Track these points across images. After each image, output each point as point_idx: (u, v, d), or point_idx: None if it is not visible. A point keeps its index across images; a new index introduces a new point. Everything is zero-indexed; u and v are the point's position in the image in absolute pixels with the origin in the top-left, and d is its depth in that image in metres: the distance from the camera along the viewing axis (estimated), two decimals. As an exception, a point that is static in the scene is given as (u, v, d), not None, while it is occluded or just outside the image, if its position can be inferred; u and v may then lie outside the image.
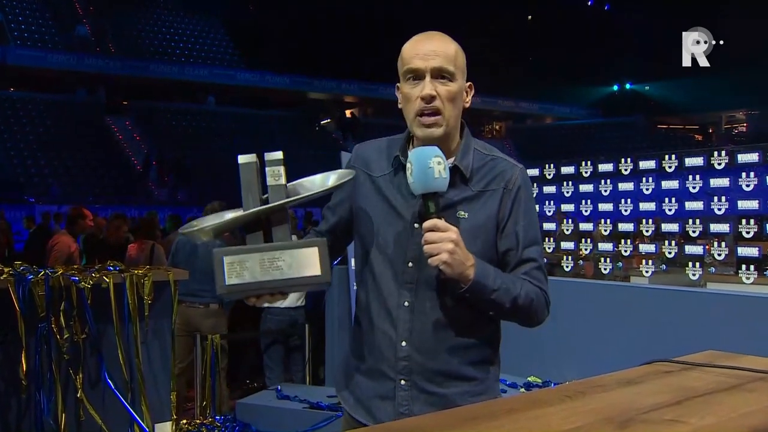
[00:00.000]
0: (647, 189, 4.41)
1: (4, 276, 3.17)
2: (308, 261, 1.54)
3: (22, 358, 3.12)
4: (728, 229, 3.94)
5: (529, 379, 4.39)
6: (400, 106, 1.76)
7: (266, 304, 1.68)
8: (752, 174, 3.91)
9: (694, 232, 4.12)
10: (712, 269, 4.09)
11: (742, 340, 2.47)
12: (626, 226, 4.52)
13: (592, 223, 4.78)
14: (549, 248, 4.84)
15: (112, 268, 3.49)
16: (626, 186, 4.54)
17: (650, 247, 4.37)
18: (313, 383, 5.47)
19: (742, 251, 3.84)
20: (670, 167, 4.28)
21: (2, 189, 18.04)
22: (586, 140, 29.26)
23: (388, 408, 1.70)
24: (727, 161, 4.02)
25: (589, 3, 33.81)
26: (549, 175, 4.93)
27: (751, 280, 3.79)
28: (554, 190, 4.93)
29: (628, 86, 33.43)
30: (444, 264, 1.57)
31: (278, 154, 1.60)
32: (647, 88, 32.16)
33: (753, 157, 3.96)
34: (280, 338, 5.59)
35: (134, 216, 13.43)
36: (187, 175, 21.51)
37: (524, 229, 1.72)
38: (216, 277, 1.53)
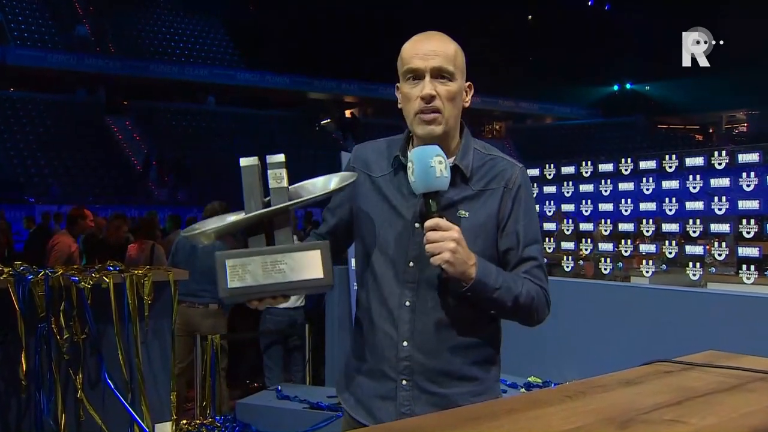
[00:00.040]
0: (648, 189, 4.40)
1: (4, 276, 3.16)
2: (311, 264, 1.54)
3: (22, 358, 3.11)
4: (729, 229, 3.94)
5: (529, 379, 4.39)
6: (399, 106, 1.76)
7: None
8: (753, 174, 3.90)
9: (694, 232, 4.11)
10: (713, 269, 4.08)
11: (742, 341, 2.46)
12: (626, 226, 4.51)
13: (592, 223, 4.78)
14: (549, 248, 4.84)
15: (112, 268, 3.48)
16: (626, 186, 4.54)
17: (651, 247, 4.37)
18: (314, 383, 5.47)
19: (743, 251, 3.84)
20: (670, 167, 4.28)
21: (2, 189, 18.05)
22: (587, 140, 29.28)
23: (389, 408, 1.70)
24: (727, 161, 4.01)
25: (590, 3, 33.82)
26: (549, 175, 4.93)
27: (752, 281, 3.79)
28: (554, 190, 4.93)
29: (628, 86, 33.45)
30: (446, 263, 1.57)
31: (280, 157, 1.60)
32: (647, 88, 32.17)
33: (753, 157, 3.96)
34: (279, 338, 5.59)
35: (134, 216, 13.43)
36: (187, 175, 21.52)
37: (525, 228, 1.72)
38: (218, 281, 1.52)
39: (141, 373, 3.45)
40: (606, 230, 4.61)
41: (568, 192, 4.84)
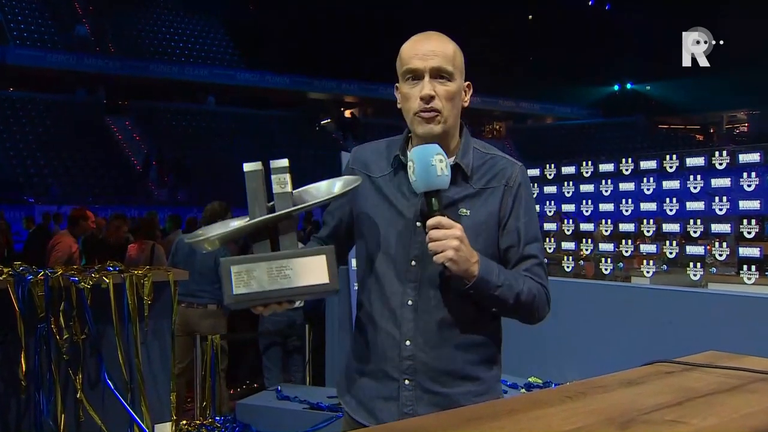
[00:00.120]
0: (648, 189, 4.40)
1: (4, 276, 3.16)
2: (316, 269, 1.53)
3: (22, 359, 3.11)
4: (729, 229, 3.93)
5: (529, 379, 4.39)
6: (399, 106, 1.76)
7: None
8: (753, 174, 3.89)
9: (695, 232, 4.11)
10: (714, 269, 4.08)
11: (743, 341, 2.46)
12: (627, 227, 4.51)
13: (592, 224, 4.77)
14: (549, 248, 4.83)
15: (111, 269, 3.48)
16: (627, 186, 4.53)
17: (651, 248, 4.37)
18: (313, 384, 5.46)
19: (744, 251, 3.83)
20: (671, 167, 4.27)
21: (2, 189, 18.07)
22: (587, 140, 29.29)
23: (392, 409, 1.70)
24: (728, 161, 4.01)
25: (590, 3, 33.82)
26: (549, 175, 4.92)
27: (753, 281, 3.78)
28: (555, 190, 4.92)
29: (628, 86, 33.45)
30: (450, 261, 1.57)
31: (284, 162, 1.59)
32: (648, 88, 32.18)
33: (754, 157, 3.95)
34: (278, 339, 5.58)
35: (134, 216, 13.43)
36: (187, 175, 21.52)
37: (525, 226, 1.73)
38: (223, 287, 1.52)
39: (141, 374, 3.45)
40: (606, 230, 4.61)
41: (568, 192, 4.84)
